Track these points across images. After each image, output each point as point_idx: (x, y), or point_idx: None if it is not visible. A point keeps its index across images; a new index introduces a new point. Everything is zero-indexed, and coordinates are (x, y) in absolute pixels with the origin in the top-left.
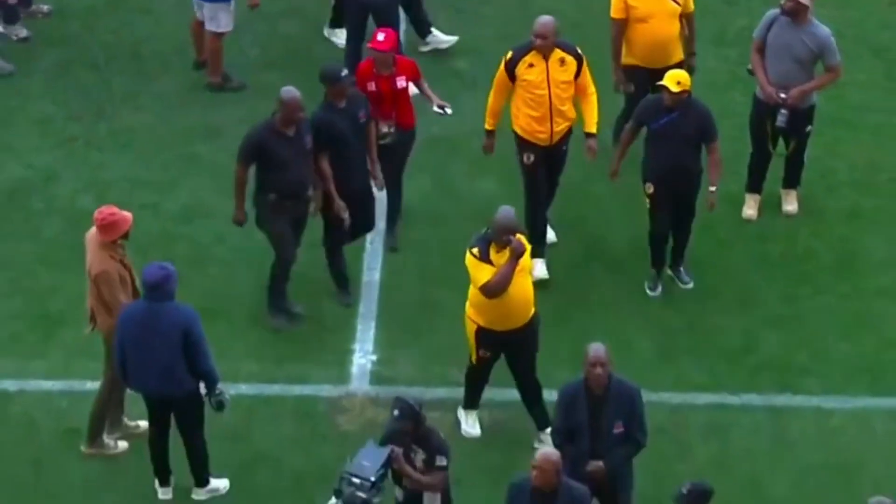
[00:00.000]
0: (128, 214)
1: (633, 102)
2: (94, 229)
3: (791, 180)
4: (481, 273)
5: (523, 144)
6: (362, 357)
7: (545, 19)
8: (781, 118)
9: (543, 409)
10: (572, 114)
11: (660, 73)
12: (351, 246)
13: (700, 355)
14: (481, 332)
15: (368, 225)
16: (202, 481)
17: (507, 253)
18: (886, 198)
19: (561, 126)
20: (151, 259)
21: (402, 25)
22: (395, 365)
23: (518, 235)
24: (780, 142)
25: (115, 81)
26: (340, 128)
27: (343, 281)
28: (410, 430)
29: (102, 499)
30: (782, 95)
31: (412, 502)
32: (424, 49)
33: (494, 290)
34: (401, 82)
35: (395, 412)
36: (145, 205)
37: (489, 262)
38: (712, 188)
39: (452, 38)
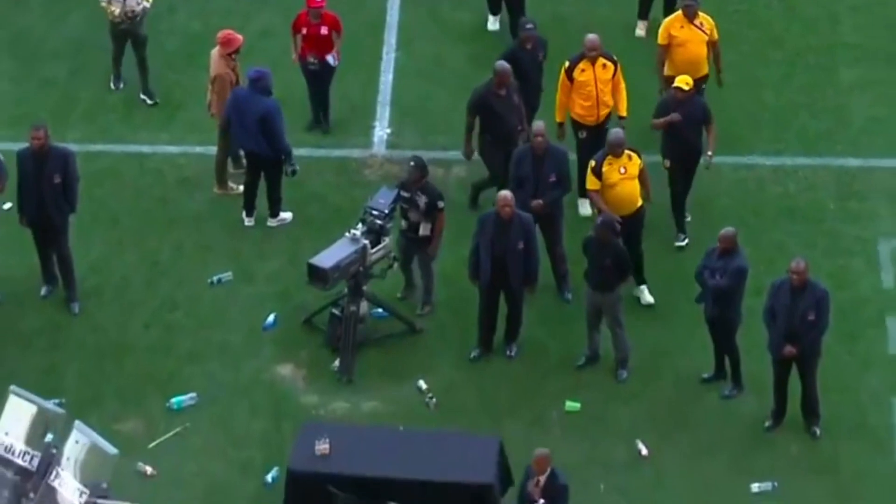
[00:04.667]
0: (240, 36)
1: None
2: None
3: (669, 11)
4: (589, 181)
5: (577, 125)
6: (381, 130)
7: (593, 37)
8: None
9: (640, 270)
10: (611, 101)
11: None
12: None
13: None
14: None
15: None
16: (275, 213)
17: (616, 164)
18: (733, 24)
19: (604, 111)
20: (242, 64)
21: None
22: (404, 136)
23: (627, 151)
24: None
25: None
26: (523, 64)
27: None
28: (418, 179)
29: (207, 225)
30: None
31: (412, 229)
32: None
33: (589, 199)
34: (323, 30)
35: (412, 163)
36: (234, 27)
37: (600, 172)
38: (710, 153)
39: None
